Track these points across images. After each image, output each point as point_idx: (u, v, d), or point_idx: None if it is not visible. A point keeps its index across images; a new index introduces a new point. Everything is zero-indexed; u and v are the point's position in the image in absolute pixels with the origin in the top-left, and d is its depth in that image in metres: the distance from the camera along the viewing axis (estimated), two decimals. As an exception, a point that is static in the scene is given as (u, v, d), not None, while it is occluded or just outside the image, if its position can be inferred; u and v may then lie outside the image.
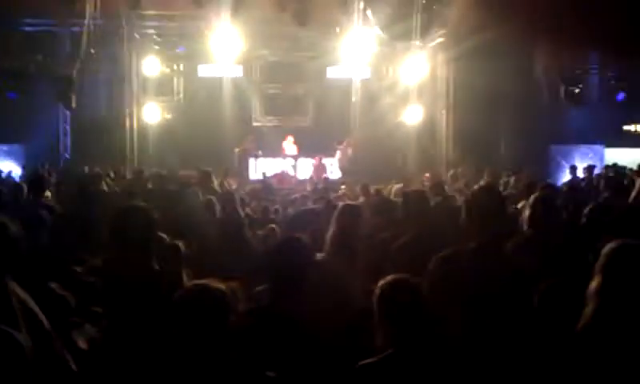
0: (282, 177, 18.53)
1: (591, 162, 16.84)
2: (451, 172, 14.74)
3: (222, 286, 2.70)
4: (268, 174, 17.79)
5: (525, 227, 4.81)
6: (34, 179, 7.64)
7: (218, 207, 7.15)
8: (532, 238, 4.60)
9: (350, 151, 19.42)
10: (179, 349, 2.60)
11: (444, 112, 19.14)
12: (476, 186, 7.10)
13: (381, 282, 3.11)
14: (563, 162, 18.97)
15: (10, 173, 17.00)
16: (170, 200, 7.81)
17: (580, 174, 15.58)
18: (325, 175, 18.87)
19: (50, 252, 4.24)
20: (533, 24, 13.29)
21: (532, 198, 4.84)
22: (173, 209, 7.03)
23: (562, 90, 17.33)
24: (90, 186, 8.82)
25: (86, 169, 14.73)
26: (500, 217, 3.79)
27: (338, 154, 19.58)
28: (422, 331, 2.99)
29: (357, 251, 4.83)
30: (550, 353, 3.04)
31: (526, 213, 4.74)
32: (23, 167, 17.54)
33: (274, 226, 8.06)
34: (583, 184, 13.42)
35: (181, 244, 4.68)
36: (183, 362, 2.58)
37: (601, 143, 19.87)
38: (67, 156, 18.75)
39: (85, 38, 15.40)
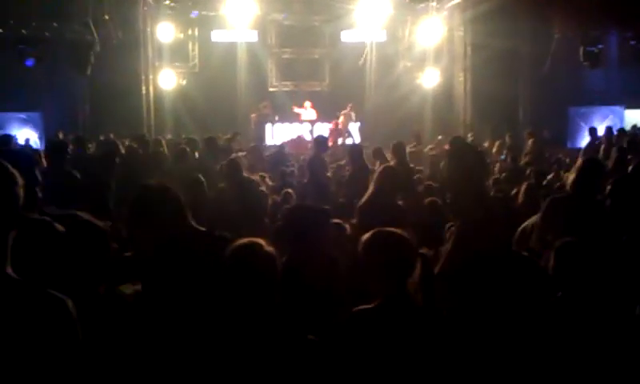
0: (298, 142, 18.49)
1: (610, 124, 16.62)
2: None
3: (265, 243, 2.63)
4: (285, 141, 17.69)
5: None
6: (54, 146, 7.60)
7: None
8: (567, 198, 4.71)
9: (353, 115, 19.30)
10: (230, 307, 2.55)
11: (461, 74, 18.94)
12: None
13: (373, 233, 3.05)
14: (582, 124, 18.76)
15: (27, 141, 17.08)
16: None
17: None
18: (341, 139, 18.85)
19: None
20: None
21: (579, 162, 4.89)
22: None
23: (581, 50, 17.06)
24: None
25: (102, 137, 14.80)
26: None
27: (341, 118, 19.39)
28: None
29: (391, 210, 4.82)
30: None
31: (571, 176, 4.80)
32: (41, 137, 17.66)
33: (290, 190, 8.12)
34: (602, 147, 13.16)
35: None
36: (235, 320, 2.53)
37: (620, 104, 19.58)
38: (85, 122, 18.79)
39: (99, 3, 15.36)
